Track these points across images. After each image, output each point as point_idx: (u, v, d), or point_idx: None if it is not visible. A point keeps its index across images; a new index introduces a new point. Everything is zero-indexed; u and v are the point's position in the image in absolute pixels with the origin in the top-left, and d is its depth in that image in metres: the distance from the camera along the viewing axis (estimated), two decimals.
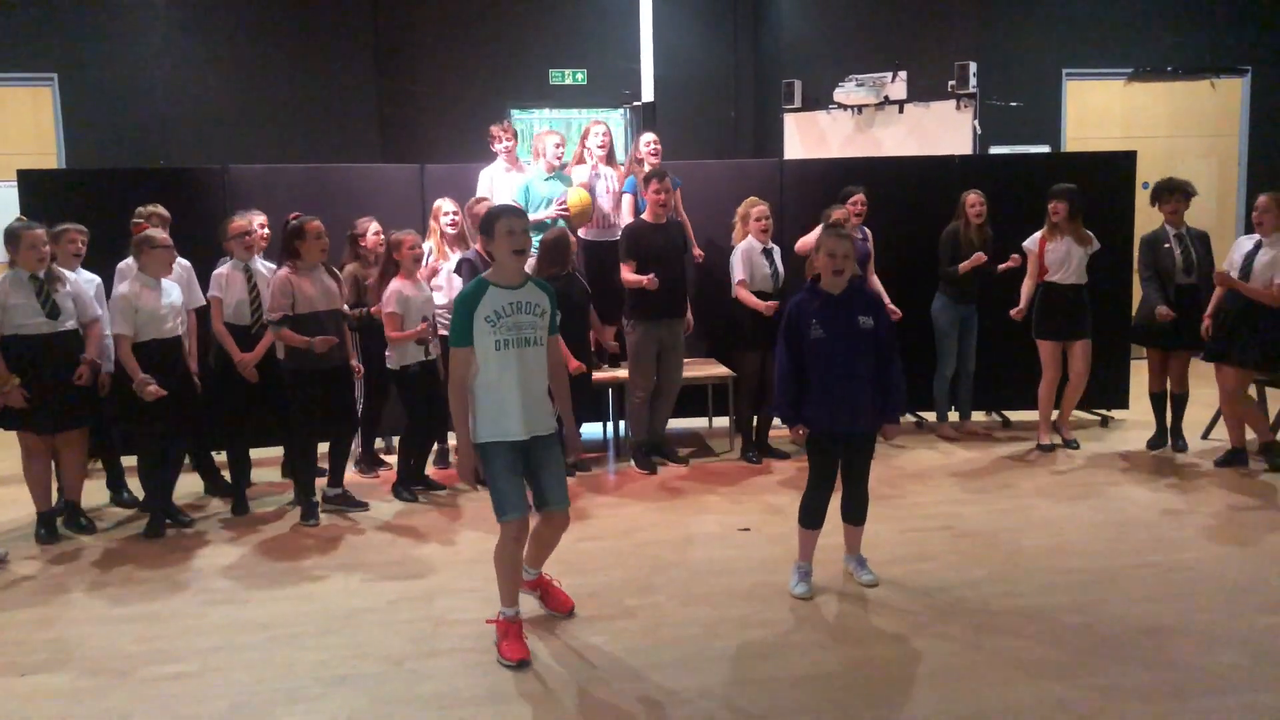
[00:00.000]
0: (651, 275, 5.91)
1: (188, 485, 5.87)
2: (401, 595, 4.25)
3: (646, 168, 6.50)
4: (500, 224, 3.56)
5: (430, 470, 6.04)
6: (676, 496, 5.66)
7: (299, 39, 9.39)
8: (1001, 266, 6.60)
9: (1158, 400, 6.43)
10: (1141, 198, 7.20)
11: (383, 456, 6.51)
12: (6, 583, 4.55)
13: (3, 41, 8.87)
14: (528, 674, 3.51)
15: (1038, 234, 6.41)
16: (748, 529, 5.03)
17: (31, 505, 5.19)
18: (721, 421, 7.09)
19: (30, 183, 6.35)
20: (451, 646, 3.74)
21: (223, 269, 5.49)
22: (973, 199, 6.63)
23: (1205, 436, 6.65)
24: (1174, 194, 6.20)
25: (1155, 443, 6.44)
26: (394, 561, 4.69)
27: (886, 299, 6.56)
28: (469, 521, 5.28)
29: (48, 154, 8.97)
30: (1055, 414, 6.59)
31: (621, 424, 6.85)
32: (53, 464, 5.25)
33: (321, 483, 5.59)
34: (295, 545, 4.97)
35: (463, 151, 9.29)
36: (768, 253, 6.24)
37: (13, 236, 4.98)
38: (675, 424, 7.01)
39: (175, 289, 5.23)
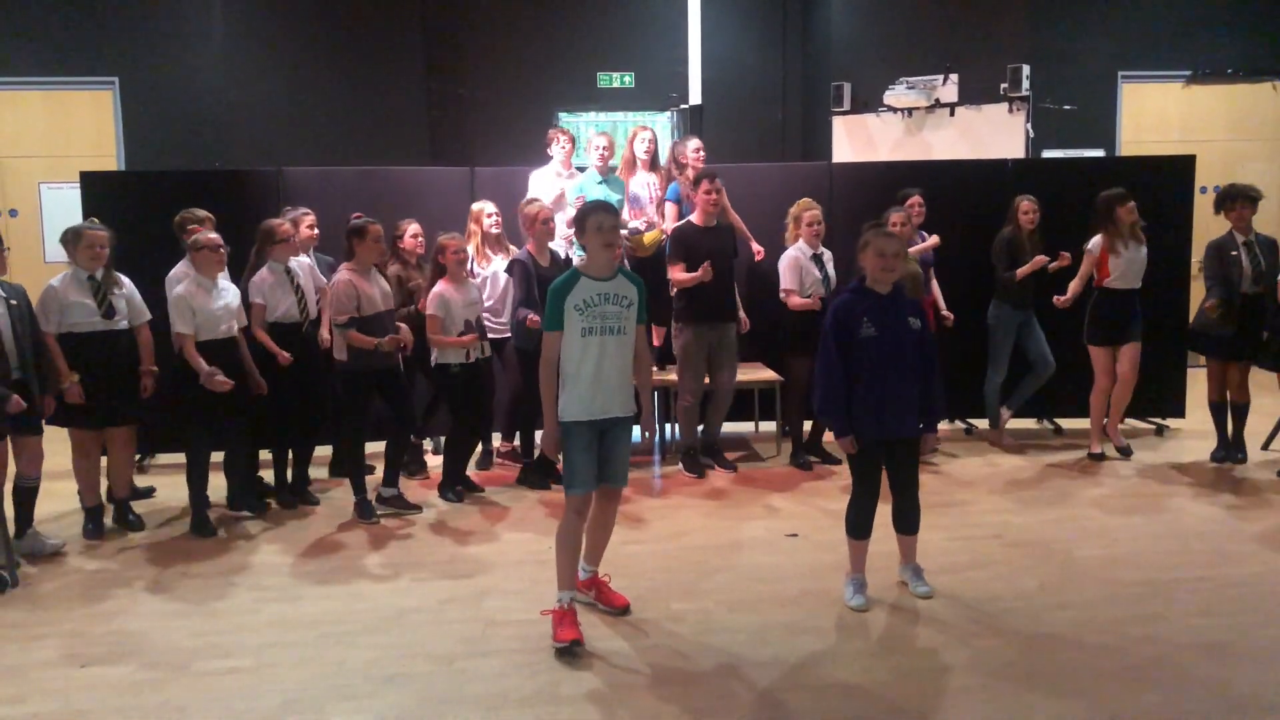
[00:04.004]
0: (706, 265, 5.85)
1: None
2: (451, 595, 4.28)
3: (690, 173, 6.50)
4: (591, 220, 3.77)
5: (471, 473, 6.08)
6: (724, 501, 5.64)
7: (351, 45, 9.51)
8: (1053, 266, 6.40)
9: (1217, 410, 6.29)
10: (1200, 202, 7.06)
11: (427, 458, 6.56)
12: (64, 575, 4.66)
13: (66, 47, 9.08)
14: (576, 676, 3.52)
15: (1098, 237, 6.21)
16: (795, 535, 5.00)
17: (74, 500, 5.31)
18: (768, 426, 7.05)
19: (92, 184, 6.50)
20: (501, 647, 3.76)
21: (259, 275, 5.49)
22: (1025, 205, 6.49)
23: (1265, 447, 6.49)
24: (1237, 200, 6.03)
25: (1218, 454, 6.29)
26: (443, 562, 4.73)
27: (942, 304, 6.53)
28: (517, 523, 5.31)
29: (107, 156, 9.16)
30: (1106, 421, 6.47)
31: (669, 427, 6.83)
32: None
33: (374, 480, 5.66)
34: (346, 544, 5.03)
35: (511, 154, 9.35)
36: (817, 258, 6.20)
37: (74, 236, 5.10)
38: (723, 428, 6.99)
39: (230, 290, 5.31)
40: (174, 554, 4.93)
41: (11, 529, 4.73)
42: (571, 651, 3.65)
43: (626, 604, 4.08)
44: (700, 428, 6.31)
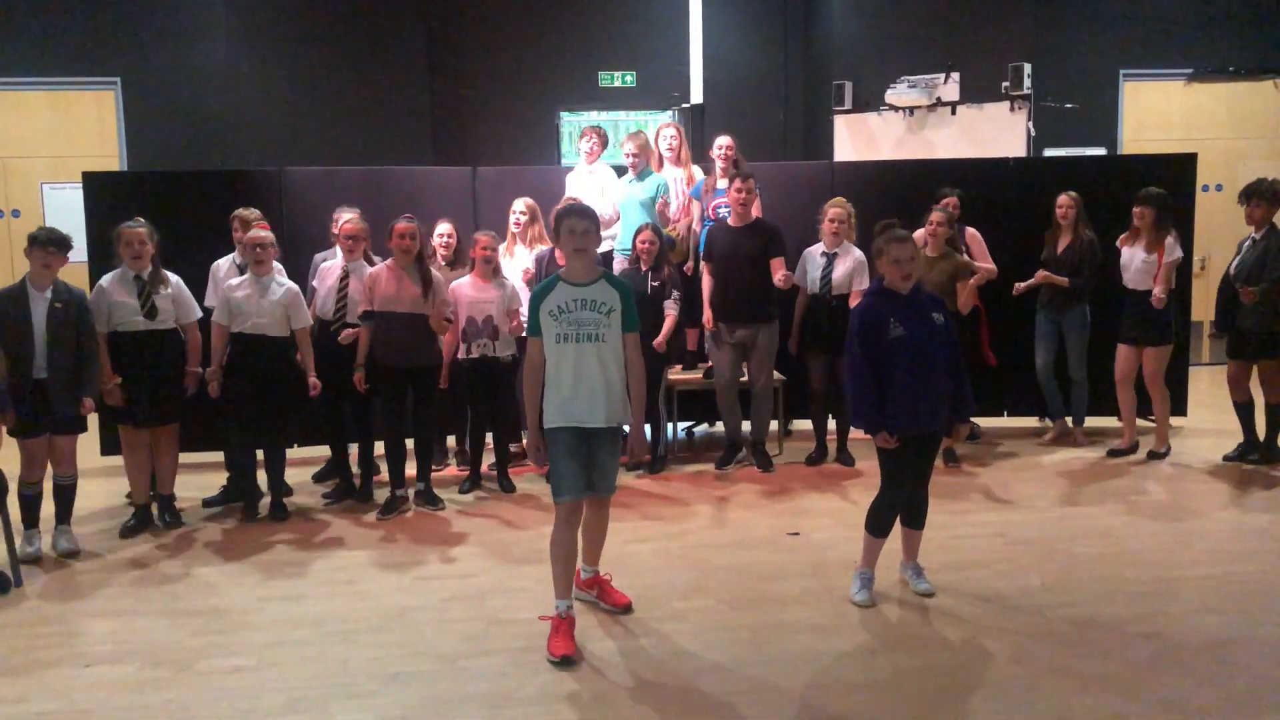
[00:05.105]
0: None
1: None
2: (454, 594, 4.29)
3: (718, 170, 6.50)
4: (565, 224, 3.75)
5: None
6: (726, 500, 5.65)
7: (353, 45, 9.54)
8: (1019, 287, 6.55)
9: (1239, 409, 6.23)
10: (1201, 201, 7.05)
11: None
12: (68, 575, 4.67)
13: (69, 46, 9.10)
14: (578, 675, 3.53)
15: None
16: (797, 533, 5.01)
17: (90, 499, 5.31)
18: (772, 424, 7.04)
19: (94, 185, 6.49)
20: (503, 646, 3.77)
21: (329, 262, 5.67)
22: (1059, 200, 6.52)
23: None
24: (1251, 197, 6.03)
25: (1232, 454, 6.26)
26: (447, 560, 4.74)
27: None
28: (521, 522, 5.31)
29: (109, 156, 9.18)
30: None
31: (670, 426, 6.82)
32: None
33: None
34: (349, 543, 5.03)
35: (513, 153, 9.36)
36: (830, 256, 6.17)
37: (114, 238, 5.15)
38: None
39: (282, 290, 5.29)
40: (178, 554, 4.93)
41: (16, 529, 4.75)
42: (564, 665, 3.59)
43: (628, 602, 4.08)
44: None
